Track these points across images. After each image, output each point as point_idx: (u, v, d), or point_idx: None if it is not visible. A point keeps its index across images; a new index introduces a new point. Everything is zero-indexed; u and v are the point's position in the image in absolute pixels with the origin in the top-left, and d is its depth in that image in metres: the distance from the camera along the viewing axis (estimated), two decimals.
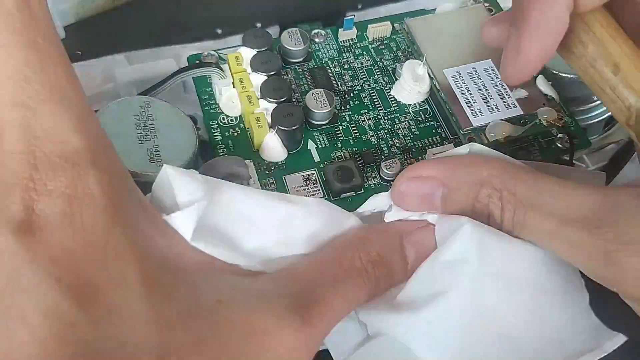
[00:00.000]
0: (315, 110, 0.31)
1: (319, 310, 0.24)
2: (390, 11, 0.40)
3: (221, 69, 0.32)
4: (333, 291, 0.25)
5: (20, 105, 0.20)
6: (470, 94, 0.32)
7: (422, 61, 0.32)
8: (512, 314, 0.26)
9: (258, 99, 0.31)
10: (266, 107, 0.31)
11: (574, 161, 0.32)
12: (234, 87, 0.32)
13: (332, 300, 0.25)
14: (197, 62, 0.33)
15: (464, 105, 0.31)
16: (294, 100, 0.32)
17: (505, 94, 0.32)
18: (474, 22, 0.35)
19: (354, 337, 0.29)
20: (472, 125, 0.31)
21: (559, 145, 0.32)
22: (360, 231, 0.28)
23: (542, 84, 0.33)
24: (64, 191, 0.20)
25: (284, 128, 0.30)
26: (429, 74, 0.33)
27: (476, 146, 0.27)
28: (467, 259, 0.26)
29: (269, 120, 0.30)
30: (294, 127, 0.30)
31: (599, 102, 0.37)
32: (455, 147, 0.31)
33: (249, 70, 0.32)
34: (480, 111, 0.31)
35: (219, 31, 0.41)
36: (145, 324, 0.20)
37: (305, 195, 0.30)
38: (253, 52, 0.32)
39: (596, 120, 0.37)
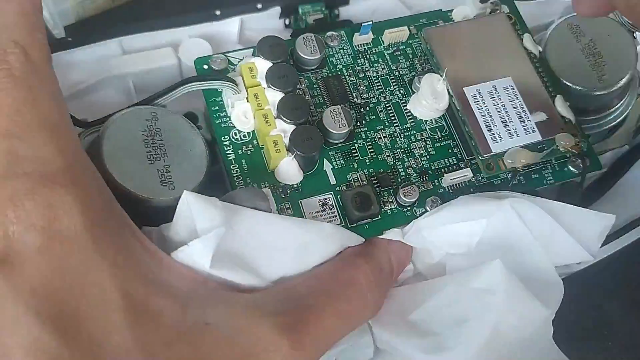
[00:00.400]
0: (333, 131, 0.30)
1: (311, 331, 0.24)
2: (403, 11, 0.38)
3: (234, 82, 0.30)
4: (328, 308, 0.25)
5: (11, 135, 0.21)
6: (490, 116, 0.31)
7: (441, 76, 0.31)
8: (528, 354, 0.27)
9: (274, 117, 0.30)
10: (283, 128, 0.29)
11: None
12: (247, 101, 0.30)
13: (326, 319, 0.25)
14: (205, 66, 0.32)
15: (484, 129, 0.31)
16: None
17: (524, 117, 0.31)
18: (494, 33, 0.33)
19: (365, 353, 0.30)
20: (492, 152, 0.30)
21: (572, 168, 0.32)
22: (360, 248, 0.29)
23: (560, 105, 0.32)
24: (44, 213, 0.20)
25: (303, 154, 0.29)
26: (448, 90, 0.32)
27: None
28: (495, 291, 0.27)
29: (287, 142, 0.29)
30: (314, 154, 0.29)
31: (608, 112, 0.36)
32: (472, 171, 0.31)
33: (263, 84, 0.30)
34: (499, 136, 0.31)
35: (218, 12, 0.39)
36: (127, 354, 0.20)
37: (322, 221, 0.29)
38: (268, 63, 0.30)
39: (603, 129, 0.37)
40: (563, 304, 0.29)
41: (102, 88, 0.36)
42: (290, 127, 0.29)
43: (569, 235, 0.28)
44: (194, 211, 0.25)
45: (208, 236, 0.24)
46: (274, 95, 0.30)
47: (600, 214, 0.29)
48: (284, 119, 0.29)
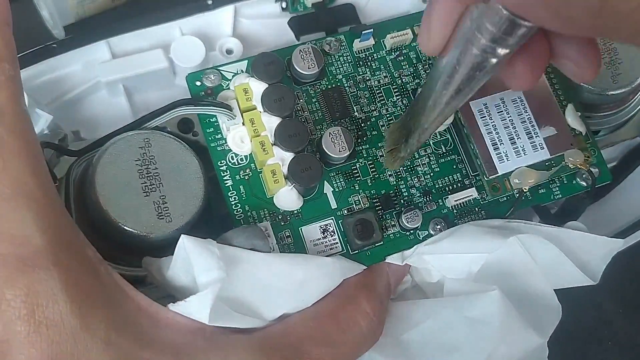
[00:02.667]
0: (333, 155, 0.29)
1: None
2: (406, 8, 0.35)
3: (229, 107, 0.29)
4: (326, 355, 0.26)
5: None
6: (497, 132, 0.30)
7: None
8: None
9: (272, 144, 0.28)
10: (282, 156, 0.28)
11: None
12: (243, 124, 0.29)
13: None
14: (198, 83, 0.30)
15: (490, 147, 0.29)
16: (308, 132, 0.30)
17: (533, 133, 0.30)
18: None
19: None
20: (498, 173, 0.29)
21: (581, 182, 0.31)
22: (360, 278, 0.28)
23: (571, 116, 0.31)
24: (26, 301, 0.20)
25: (302, 186, 0.28)
26: None
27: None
28: (490, 322, 0.27)
29: (285, 171, 0.28)
30: (313, 185, 0.28)
31: (621, 107, 0.35)
32: (477, 190, 0.30)
33: (259, 107, 0.29)
34: (506, 155, 0.29)
35: (210, 1, 0.36)
36: None
37: (324, 249, 0.29)
38: (263, 85, 0.29)
39: (614, 124, 0.36)
40: (563, 304, 0.29)
41: (93, 95, 0.34)
42: (289, 155, 0.28)
43: (572, 264, 0.28)
44: (192, 259, 0.25)
45: (205, 292, 0.24)
46: (271, 121, 0.28)
47: (608, 239, 0.29)
48: (282, 146, 0.28)
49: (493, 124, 0.30)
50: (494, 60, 0.22)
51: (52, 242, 0.21)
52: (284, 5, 0.37)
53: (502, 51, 0.22)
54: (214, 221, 0.30)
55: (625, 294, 0.36)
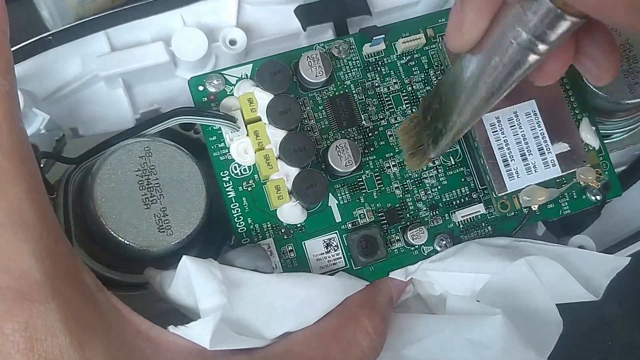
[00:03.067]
0: (339, 169, 0.28)
1: None
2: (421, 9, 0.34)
3: (233, 119, 0.27)
4: None
5: None
6: (509, 148, 0.29)
7: None
8: None
9: (276, 158, 0.28)
10: (286, 172, 0.27)
11: None
12: (247, 135, 0.28)
13: None
14: (201, 87, 0.29)
15: (500, 164, 0.29)
16: (312, 138, 0.29)
17: (545, 149, 0.29)
18: None
19: None
20: (507, 190, 0.29)
21: (591, 197, 0.30)
22: (362, 295, 0.28)
23: (586, 130, 0.30)
24: (24, 335, 0.20)
25: (306, 203, 0.27)
26: None
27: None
28: (491, 347, 0.27)
29: (289, 186, 0.27)
30: (318, 202, 0.27)
31: (634, 114, 0.34)
32: (485, 205, 0.29)
33: (264, 119, 0.28)
34: (516, 172, 0.29)
35: None
36: None
37: (327, 264, 0.28)
38: (269, 95, 0.28)
39: (625, 128, 0.35)
40: (563, 305, 0.29)
41: (91, 88, 0.33)
42: (294, 170, 0.27)
43: (576, 281, 0.28)
44: (194, 282, 0.25)
45: (207, 320, 0.23)
46: (276, 134, 0.27)
47: (614, 258, 0.28)
48: (287, 161, 0.27)
49: (505, 139, 0.29)
50: (533, 58, 0.21)
51: (49, 273, 0.21)
52: None
53: (543, 47, 0.20)
54: (217, 229, 0.30)
55: (626, 296, 0.36)
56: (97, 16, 0.33)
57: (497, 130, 0.29)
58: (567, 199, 0.30)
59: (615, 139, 0.36)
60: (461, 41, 0.22)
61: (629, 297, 0.37)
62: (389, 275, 0.29)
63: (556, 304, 0.29)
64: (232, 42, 0.34)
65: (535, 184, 0.29)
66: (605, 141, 0.32)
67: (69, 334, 0.20)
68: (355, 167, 0.28)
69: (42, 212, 0.22)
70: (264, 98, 0.28)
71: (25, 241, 0.20)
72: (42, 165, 0.29)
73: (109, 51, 0.32)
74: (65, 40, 0.32)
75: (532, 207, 0.29)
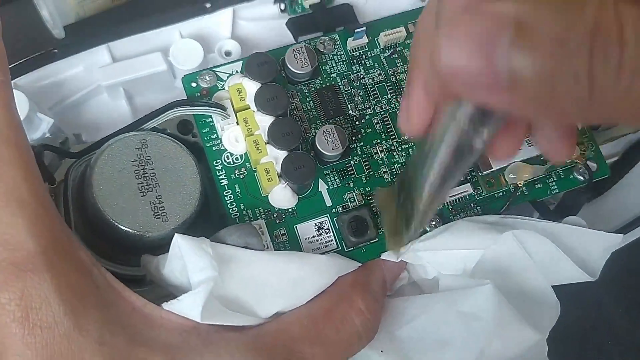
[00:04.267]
0: (327, 152, 0.29)
1: None
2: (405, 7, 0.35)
3: (223, 107, 0.29)
4: (320, 354, 0.26)
5: None
6: None
7: None
8: None
9: (265, 143, 0.29)
10: (275, 155, 0.28)
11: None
12: (237, 124, 0.29)
13: None
14: (194, 84, 0.30)
15: None
16: (302, 130, 0.30)
17: None
18: None
19: None
20: (492, 168, 0.29)
21: (578, 176, 0.31)
22: (354, 275, 0.28)
23: None
24: (20, 304, 0.20)
25: (295, 184, 0.28)
26: None
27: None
28: (482, 317, 0.27)
29: (279, 169, 0.28)
30: (306, 182, 0.28)
31: None
32: (473, 186, 0.30)
33: (253, 106, 0.29)
34: None
35: (208, 5, 0.37)
36: None
37: (319, 246, 0.29)
38: (257, 84, 0.29)
39: None
40: (562, 303, 0.29)
41: (94, 98, 0.35)
42: (282, 154, 0.28)
43: (570, 260, 0.28)
44: (185, 257, 0.25)
45: (197, 290, 0.24)
46: (264, 120, 0.29)
47: (607, 234, 0.28)
48: (275, 145, 0.28)
49: None
50: (478, 142, 0.20)
51: (44, 246, 0.22)
52: (282, 7, 0.37)
53: (484, 135, 0.20)
54: (213, 220, 0.31)
55: (625, 293, 0.35)
56: (99, 32, 0.35)
57: None
58: (555, 179, 0.31)
59: (603, 130, 0.36)
60: (408, 127, 0.22)
61: (629, 297, 0.36)
62: (381, 257, 0.29)
63: (559, 305, 0.29)
64: (227, 53, 0.36)
65: (520, 161, 0.29)
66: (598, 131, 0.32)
67: (63, 304, 0.21)
68: (342, 150, 0.29)
69: (38, 193, 0.23)
70: (252, 87, 0.29)
71: (20, 217, 0.22)
72: (46, 163, 0.31)
73: (111, 62, 0.35)
74: (69, 53, 0.34)
75: (517, 184, 0.29)
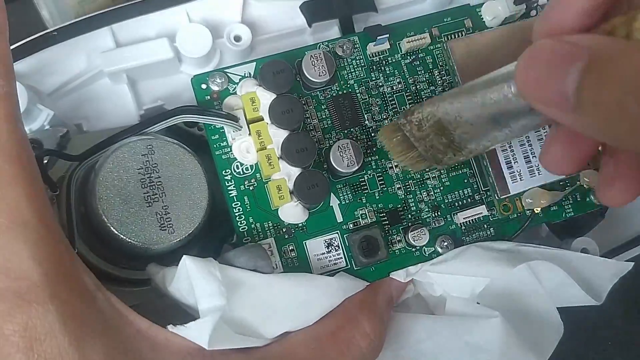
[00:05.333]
0: (341, 169, 0.28)
1: None
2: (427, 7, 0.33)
3: (236, 119, 0.27)
4: None
5: None
6: (512, 151, 0.29)
7: None
8: None
9: (278, 158, 0.27)
10: (288, 172, 0.27)
11: None
12: (249, 134, 0.28)
13: None
14: (204, 86, 0.29)
15: (504, 166, 0.29)
16: (314, 138, 0.29)
17: None
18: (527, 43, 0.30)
19: None
20: (510, 193, 0.29)
21: (594, 199, 0.30)
22: (361, 296, 0.28)
23: None
24: (24, 335, 0.20)
25: (307, 203, 0.27)
26: None
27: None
28: (488, 349, 0.27)
29: (291, 187, 0.27)
30: (320, 202, 0.27)
31: None
32: (487, 207, 0.29)
33: (267, 118, 0.28)
34: (519, 174, 0.29)
35: None
36: None
37: (327, 264, 0.29)
38: (271, 95, 0.27)
39: None
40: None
41: (95, 84, 0.33)
42: (296, 170, 0.27)
43: (577, 286, 0.28)
44: (194, 282, 0.25)
45: (205, 320, 0.24)
46: (278, 134, 0.27)
47: (617, 263, 0.28)
48: (288, 161, 0.27)
49: (508, 143, 0.29)
50: None
51: (48, 274, 0.21)
52: None
53: None
54: (215, 220, 0.30)
55: (626, 295, 0.36)
56: (102, 11, 0.33)
57: None
58: (571, 202, 0.30)
59: None
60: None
61: (630, 296, 0.37)
62: (390, 276, 0.29)
63: (557, 307, 0.29)
64: (237, 38, 0.34)
65: (538, 187, 0.29)
66: None
67: (68, 334, 0.21)
68: (357, 167, 0.28)
69: (41, 213, 0.22)
70: (266, 97, 0.27)
71: (23, 242, 0.21)
72: (45, 162, 0.29)
73: (114, 47, 0.32)
74: (70, 35, 0.32)
75: (534, 209, 0.29)
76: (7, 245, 0.20)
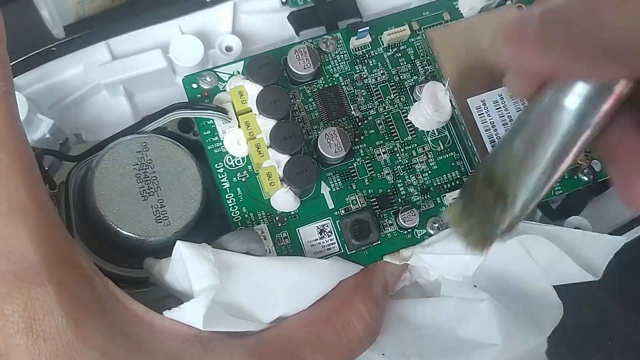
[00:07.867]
0: (329, 155, 0.29)
1: None
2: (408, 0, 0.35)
3: (225, 111, 0.29)
4: (320, 358, 0.26)
5: None
6: (495, 129, 0.29)
7: (444, 85, 0.29)
8: None
9: (267, 147, 0.28)
10: (277, 159, 0.28)
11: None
12: (239, 127, 0.29)
13: None
14: (195, 85, 0.30)
15: (488, 145, 0.29)
16: (304, 131, 0.30)
17: None
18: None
19: None
20: None
21: (582, 177, 0.30)
22: (356, 279, 0.28)
23: None
24: (23, 315, 0.21)
25: (297, 188, 0.28)
26: (450, 101, 0.30)
27: None
28: (492, 342, 0.27)
29: (281, 173, 0.28)
30: (309, 186, 0.28)
31: None
32: None
33: (255, 110, 0.29)
34: None
35: None
36: None
37: (321, 249, 0.29)
38: (258, 87, 0.29)
39: None
40: (563, 304, 0.29)
41: (94, 97, 0.35)
42: (284, 157, 0.28)
43: (573, 262, 0.28)
44: (187, 265, 0.25)
45: (199, 299, 0.24)
46: (266, 123, 0.28)
47: (609, 237, 0.28)
48: (277, 149, 0.28)
49: (491, 120, 0.29)
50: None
51: (46, 257, 0.22)
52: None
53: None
54: (214, 220, 0.31)
55: (625, 294, 0.35)
56: (98, 29, 0.34)
57: (482, 113, 0.29)
58: (559, 179, 0.31)
59: None
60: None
61: (630, 296, 0.36)
62: (383, 259, 0.29)
63: (561, 305, 0.29)
64: (228, 49, 0.36)
65: None
66: None
67: (65, 314, 0.21)
68: (344, 153, 0.29)
69: (39, 201, 0.23)
70: (253, 90, 0.29)
71: (22, 227, 0.22)
72: (47, 168, 0.31)
73: (110, 60, 0.34)
74: (68, 51, 0.33)
75: None
76: (7, 231, 0.21)
